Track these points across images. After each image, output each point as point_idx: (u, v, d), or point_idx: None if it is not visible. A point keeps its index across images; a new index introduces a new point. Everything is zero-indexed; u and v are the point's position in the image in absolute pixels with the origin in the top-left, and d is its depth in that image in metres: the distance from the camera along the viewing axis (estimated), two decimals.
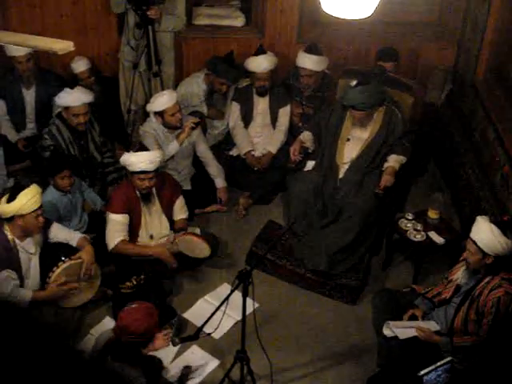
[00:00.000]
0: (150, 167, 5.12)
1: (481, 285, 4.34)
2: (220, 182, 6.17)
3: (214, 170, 6.15)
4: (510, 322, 4.26)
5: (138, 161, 5.10)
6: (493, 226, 4.25)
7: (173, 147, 5.78)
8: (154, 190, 5.33)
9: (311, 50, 6.20)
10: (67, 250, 5.02)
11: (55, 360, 4.46)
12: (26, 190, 4.65)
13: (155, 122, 5.80)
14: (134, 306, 3.99)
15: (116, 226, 5.26)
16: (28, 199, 4.63)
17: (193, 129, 5.82)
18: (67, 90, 5.61)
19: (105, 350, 3.99)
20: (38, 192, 4.74)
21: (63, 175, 5.24)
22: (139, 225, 5.36)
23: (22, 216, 4.67)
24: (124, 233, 5.28)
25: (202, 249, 5.32)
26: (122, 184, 5.45)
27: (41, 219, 4.74)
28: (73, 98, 5.59)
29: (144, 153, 5.17)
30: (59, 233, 5.02)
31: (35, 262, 4.89)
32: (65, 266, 4.89)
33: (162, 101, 5.69)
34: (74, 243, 5.04)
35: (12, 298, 4.69)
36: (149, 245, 5.40)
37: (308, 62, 6.21)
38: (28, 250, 4.82)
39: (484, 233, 4.26)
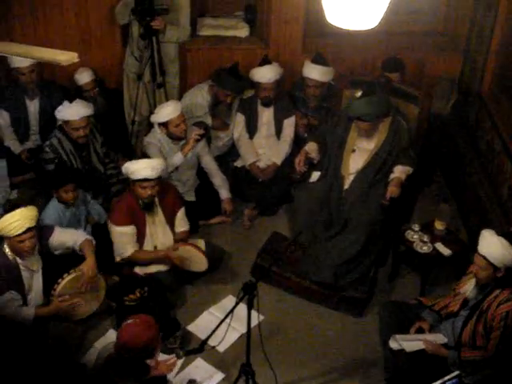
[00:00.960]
0: (152, 174, 5.10)
1: (489, 298, 4.30)
2: (224, 193, 6.14)
3: (219, 181, 6.13)
4: None
5: (139, 168, 5.09)
6: (501, 238, 4.22)
7: (177, 159, 5.76)
8: (156, 199, 5.31)
9: (318, 60, 6.18)
10: (72, 261, 4.98)
11: (59, 372, 4.44)
12: (11, 213, 4.55)
13: (159, 133, 5.79)
14: (130, 321, 3.94)
15: (124, 239, 5.25)
16: (10, 222, 4.54)
17: (197, 141, 5.80)
18: (66, 103, 5.60)
19: (106, 365, 3.95)
20: (26, 216, 4.58)
21: (67, 189, 5.22)
22: (144, 235, 5.34)
23: (6, 238, 4.62)
24: (132, 243, 5.28)
25: (199, 262, 5.31)
26: (124, 195, 5.41)
27: (27, 244, 4.62)
28: (72, 112, 5.57)
29: (145, 160, 5.19)
30: (63, 238, 4.95)
31: (38, 278, 4.85)
32: (70, 277, 4.88)
33: (167, 112, 5.68)
34: (77, 246, 4.99)
35: (15, 317, 4.66)
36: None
37: (314, 72, 6.20)
38: (30, 268, 4.78)
39: (493, 246, 4.22)
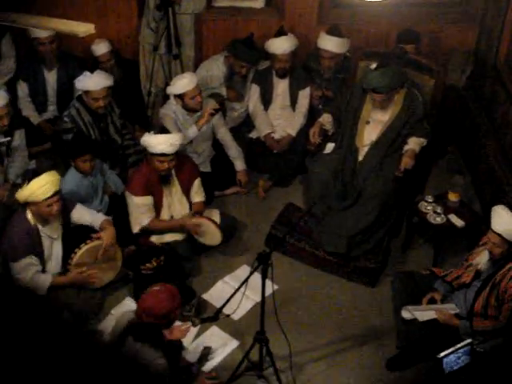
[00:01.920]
0: (170, 150, 5.14)
1: (502, 271, 4.33)
2: (239, 165, 6.18)
3: (234, 152, 6.16)
4: None
5: (158, 143, 5.13)
6: None
7: (192, 132, 5.79)
8: (173, 171, 5.36)
9: (333, 31, 6.16)
10: (90, 232, 5.07)
11: (75, 340, 4.53)
12: (37, 178, 4.65)
13: (175, 104, 5.81)
14: (157, 288, 4.03)
15: (140, 209, 5.31)
16: (38, 187, 4.63)
17: (212, 115, 5.82)
18: (87, 73, 5.62)
19: (127, 331, 4.03)
20: (52, 180, 4.69)
21: (85, 158, 5.27)
22: (161, 206, 5.41)
23: (34, 203, 4.70)
24: (150, 213, 5.35)
25: (213, 236, 5.38)
26: (141, 166, 5.47)
27: (54, 207, 4.73)
28: (93, 82, 5.60)
29: (164, 135, 5.21)
30: (83, 215, 5.07)
31: (57, 246, 4.95)
32: (87, 247, 4.96)
33: (182, 84, 5.70)
34: (96, 225, 5.08)
35: (31, 283, 4.77)
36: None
37: (330, 43, 6.18)
38: (50, 235, 4.88)
39: (507, 223, 4.25)
